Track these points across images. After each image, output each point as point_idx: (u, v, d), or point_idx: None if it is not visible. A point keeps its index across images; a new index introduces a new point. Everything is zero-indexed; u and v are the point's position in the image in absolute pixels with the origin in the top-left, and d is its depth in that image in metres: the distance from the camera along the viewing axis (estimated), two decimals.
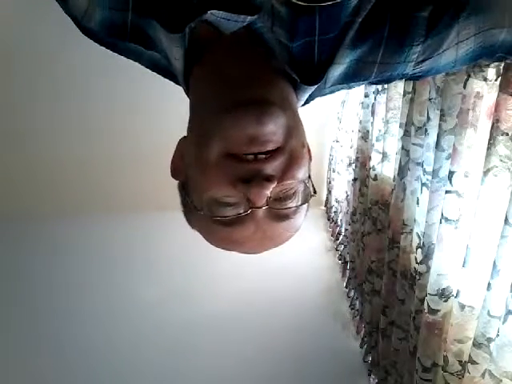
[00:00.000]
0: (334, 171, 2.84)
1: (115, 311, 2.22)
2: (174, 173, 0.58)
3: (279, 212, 0.51)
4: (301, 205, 0.52)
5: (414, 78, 0.58)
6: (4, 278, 2.36)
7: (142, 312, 2.22)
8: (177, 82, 0.59)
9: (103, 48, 0.57)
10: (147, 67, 0.59)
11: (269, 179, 0.47)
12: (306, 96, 0.57)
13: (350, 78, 0.56)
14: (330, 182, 2.97)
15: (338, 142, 2.75)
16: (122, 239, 2.66)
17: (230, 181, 0.48)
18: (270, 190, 0.48)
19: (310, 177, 0.54)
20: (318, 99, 0.62)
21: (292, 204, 0.51)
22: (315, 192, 0.54)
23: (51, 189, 2.84)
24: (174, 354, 2.02)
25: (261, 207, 0.49)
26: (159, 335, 2.10)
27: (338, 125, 2.67)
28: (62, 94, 2.70)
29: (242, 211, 0.49)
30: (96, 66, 2.45)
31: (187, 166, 0.53)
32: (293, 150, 0.49)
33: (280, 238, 0.55)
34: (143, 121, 2.68)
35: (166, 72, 0.58)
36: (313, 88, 0.54)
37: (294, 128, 0.50)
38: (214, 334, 2.10)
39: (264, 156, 0.48)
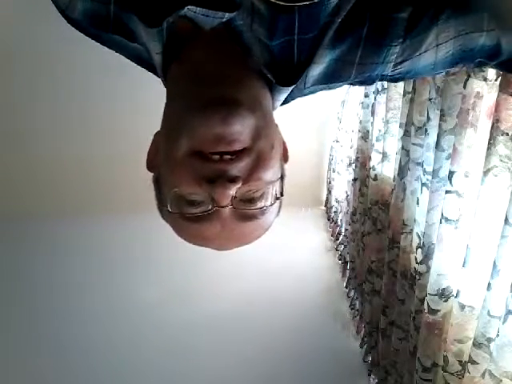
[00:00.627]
0: (333, 171, 2.84)
1: (115, 311, 2.21)
2: (149, 166, 0.58)
3: (245, 212, 0.51)
4: (268, 206, 0.52)
5: (393, 79, 0.58)
6: (4, 279, 2.35)
7: (141, 312, 2.22)
8: (158, 75, 0.59)
9: (103, 48, 0.57)
10: (131, 60, 0.60)
11: (233, 180, 0.47)
12: (283, 96, 0.57)
13: (329, 78, 0.56)
14: (330, 182, 2.97)
15: (337, 142, 2.75)
16: (121, 239, 2.66)
17: (195, 179, 0.48)
18: (234, 191, 0.48)
19: (282, 178, 0.54)
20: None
21: (259, 205, 0.51)
22: (282, 194, 0.54)
23: (51, 189, 2.84)
24: (173, 354, 2.02)
25: (225, 207, 0.49)
26: (159, 335, 2.10)
27: (338, 125, 2.67)
28: (62, 94, 2.70)
29: (206, 209, 0.50)
30: (96, 66, 2.45)
31: (160, 160, 0.54)
32: (260, 152, 0.49)
33: (249, 237, 0.55)
34: (143, 121, 2.67)
35: (148, 65, 0.58)
36: (290, 89, 0.55)
37: (262, 129, 0.50)
38: (214, 334, 2.10)
39: (229, 157, 0.48)
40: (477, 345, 1.09)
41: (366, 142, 2.06)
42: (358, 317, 2.20)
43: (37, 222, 2.63)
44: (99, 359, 1.99)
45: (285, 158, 0.57)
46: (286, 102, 0.59)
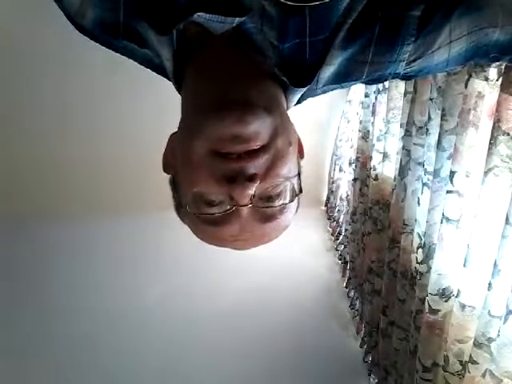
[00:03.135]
0: (340, 170, 2.81)
1: (117, 311, 2.21)
2: (165, 167, 0.59)
3: (265, 212, 0.51)
4: (287, 203, 0.52)
5: (406, 77, 0.57)
6: (6, 279, 2.35)
7: (143, 312, 2.21)
8: (170, 79, 0.59)
9: (105, 49, 0.57)
10: (143, 65, 0.60)
11: (251, 178, 0.47)
12: (297, 97, 0.57)
13: (341, 78, 0.56)
14: (333, 182, 2.95)
15: (341, 141, 2.73)
16: (123, 239, 2.66)
17: (214, 178, 0.48)
18: (253, 189, 0.48)
19: (299, 175, 0.54)
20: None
21: (278, 203, 0.51)
22: (301, 191, 0.54)
23: (54, 189, 2.83)
24: (173, 353, 2.02)
25: (245, 205, 0.49)
26: (161, 335, 2.10)
27: (346, 124, 2.64)
28: (65, 94, 2.69)
29: (226, 209, 0.49)
30: (100, 66, 2.45)
31: (176, 161, 0.54)
32: (278, 149, 0.49)
33: (268, 237, 0.54)
34: (147, 122, 2.67)
35: (160, 70, 0.58)
36: (303, 90, 0.54)
37: (280, 127, 0.50)
38: (214, 334, 2.10)
39: (248, 155, 0.48)
40: (477, 345, 1.09)
41: (366, 141, 2.06)
42: (357, 317, 2.20)
43: (39, 223, 2.63)
44: (102, 359, 1.98)
45: (300, 154, 0.57)
46: (298, 102, 0.59)
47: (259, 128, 0.47)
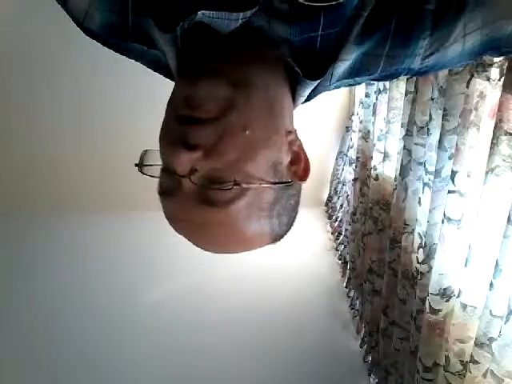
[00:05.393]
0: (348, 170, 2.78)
1: (112, 313, 2.20)
2: None
3: (207, 194, 0.47)
4: (232, 196, 0.47)
5: (419, 73, 0.57)
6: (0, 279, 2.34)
7: (142, 314, 2.21)
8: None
9: (102, 48, 0.57)
10: (149, 67, 0.59)
11: (191, 147, 0.46)
12: (307, 91, 0.56)
13: (356, 73, 0.55)
14: (338, 182, 2.95)
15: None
16: (118, 239, 2.65)
17: (166, 143, 0.49)
18: (190, 160, 0.46)
19: (275, 183, 0.50)
20: (320, 98, 0.61)
21: (221, 187, 0.47)
22: (275, 203, 0.51)
23: (50, 188, 2.83)
24: (174, 356, 2.01)
25: (184, 177, 0.47)
26: (160, 337, 2.09)
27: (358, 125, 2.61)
28: (60, 93, 2.69)
29: (171, 177, 0.49)
30: (93, 66, 2.45)
31: None
32: (228, 126, 0.47)
33: (217, 234, 0.50)
34: (143, 120, 2.67)
35: (167, 71, 0.58)
36: (315, 83, 0.54)
37: (239, 106, 0.48)
38: (214, 334, 2.10)
39: (192, 121, 0.47)
40: (479, 344, 1.09)
41: (366, 141, 2.06)
42: (358, 317, 2.20)
43: (37, 221, 2.63)
44: (99, 361, 1.97)
45: (301, 176, 0.54)
46: (309, 97, 0.58)
47: (209, 96, 0.47)
